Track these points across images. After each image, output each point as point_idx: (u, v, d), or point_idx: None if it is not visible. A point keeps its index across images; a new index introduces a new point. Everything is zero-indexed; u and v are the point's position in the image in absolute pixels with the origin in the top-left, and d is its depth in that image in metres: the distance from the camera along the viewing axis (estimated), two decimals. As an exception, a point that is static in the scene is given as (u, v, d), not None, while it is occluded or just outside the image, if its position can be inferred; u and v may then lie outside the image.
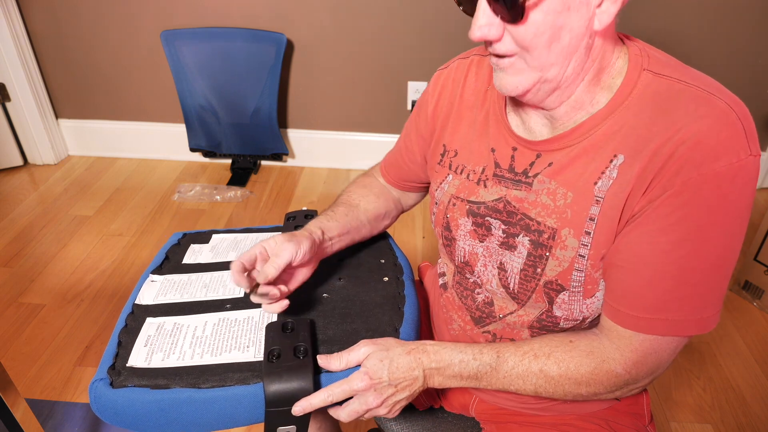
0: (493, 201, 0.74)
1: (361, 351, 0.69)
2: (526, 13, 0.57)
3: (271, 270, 0.71)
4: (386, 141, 2.46)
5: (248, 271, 0.72)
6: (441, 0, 2.14)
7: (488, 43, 0.62)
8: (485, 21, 0.59)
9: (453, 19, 2.15)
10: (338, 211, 0.87)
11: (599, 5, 0.58)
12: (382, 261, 0.90)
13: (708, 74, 0.63)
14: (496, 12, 0.58)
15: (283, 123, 2.50)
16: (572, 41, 0.59)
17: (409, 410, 0.92)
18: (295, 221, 0.95)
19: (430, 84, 0.85)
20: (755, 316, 1.77)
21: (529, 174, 0.70)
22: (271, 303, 0.72)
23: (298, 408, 0.66)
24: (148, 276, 0.86)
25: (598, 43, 0.62)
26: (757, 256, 1.77)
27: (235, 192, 2.35)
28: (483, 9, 0.59)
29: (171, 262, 0.90)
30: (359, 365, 0.69)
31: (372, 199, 0.93)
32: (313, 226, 0.81)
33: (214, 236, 0.98)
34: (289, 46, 2.30)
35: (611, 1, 0.57)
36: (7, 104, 2.39)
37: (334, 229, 0.84)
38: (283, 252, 0.73)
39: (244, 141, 2.46)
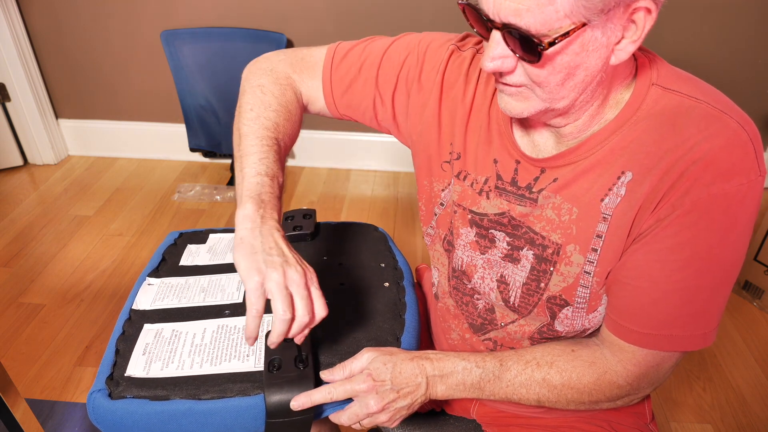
0: (496, 214, 0.72)
1: (364, 357, 0.69)
2: (543, 57, 0.54)
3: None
4: (386, 141, 2.46)
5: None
6: (440, 0, 2.14)
7: (498, 73, 0.60)
8: (499, 53, 0.56)
9: (452, 19, 2.15)
10: (281, 169, 0.74)
11: (618, 43, 0.55)
12: (382, 265, 0.89)
13: (708, 75, 0.63)
14: (510, 46, 0.56)
15: (283, 123, 2.50)
16: (587, 78, 0.58)
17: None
18: (293, 221, 0.94)
19: (447, 52, 0.76)
20: (755, 316, 1.77)
21: (533, 189, 0.69)
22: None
23: (297, 403, 0.64)
24: (144, 279, 0.85)
25: (611, 72, 0.60)
26: (757, 256, 1.77)
27: (235, 192, 2.34)
28: (497, 40, 0.56)
29: (168, 264, 0.89)
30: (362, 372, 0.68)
31: (293, 138, 0.80)
32: (276, 203, 0.70)
33: (211, 236, 0.96)
34: (289, 46, 2.30)
35: (631, 40, 0.55)
36: (7, 104, 2.38)
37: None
38: None
39: (244, 141, 2.46)
